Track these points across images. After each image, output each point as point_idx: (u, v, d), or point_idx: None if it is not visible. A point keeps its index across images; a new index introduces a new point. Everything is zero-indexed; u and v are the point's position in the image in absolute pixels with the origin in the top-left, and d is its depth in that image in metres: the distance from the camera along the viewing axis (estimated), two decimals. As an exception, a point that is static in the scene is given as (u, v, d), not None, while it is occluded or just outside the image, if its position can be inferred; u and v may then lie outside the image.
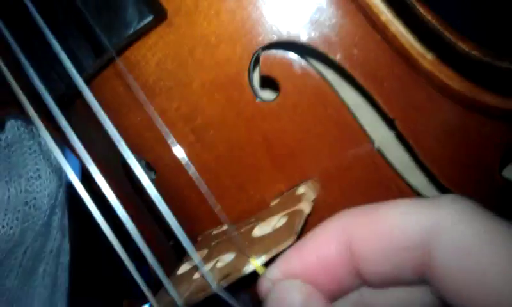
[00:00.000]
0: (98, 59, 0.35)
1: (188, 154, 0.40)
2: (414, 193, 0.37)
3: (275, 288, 0.28)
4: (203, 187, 0.32)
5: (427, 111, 0.35)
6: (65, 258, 0.74)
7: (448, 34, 0.35)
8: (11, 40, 0.34)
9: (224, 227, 0.43)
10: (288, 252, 0.30)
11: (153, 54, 0.37)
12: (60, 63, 0.35)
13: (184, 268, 0.40)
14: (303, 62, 0.36)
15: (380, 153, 0.36)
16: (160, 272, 0.35)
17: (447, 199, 0.25)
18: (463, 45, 0.36)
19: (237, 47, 0.36)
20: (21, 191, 0.63)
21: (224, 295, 0.33)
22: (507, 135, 0.35)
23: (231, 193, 0.40)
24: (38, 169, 0.65)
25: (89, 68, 0.35)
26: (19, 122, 0.60)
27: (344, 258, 0.27)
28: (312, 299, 0.27)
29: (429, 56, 0.34)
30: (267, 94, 0.38)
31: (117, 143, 0.34)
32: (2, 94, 0.46)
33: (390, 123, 0.36)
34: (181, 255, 0.50)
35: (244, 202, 0.40)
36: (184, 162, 0.32)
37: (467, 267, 0.22)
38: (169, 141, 0.36)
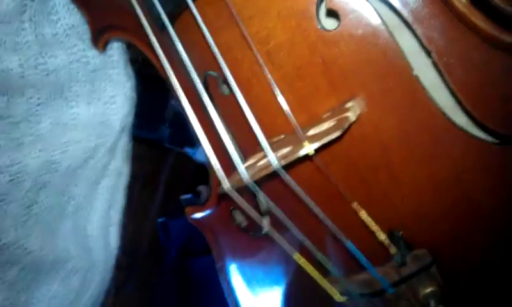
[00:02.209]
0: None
1: (259, 72, 0.50)
2: (442, 113, 0.46)
3: None
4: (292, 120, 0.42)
5: (459, 46, 0.43)
6: (124, 180, 0.85)
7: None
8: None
9: (282, 136, 0.52)
10: None
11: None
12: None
13: (249, 162, 0.50)
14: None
15: (417, 79, 0.45)
16: (236, 157, 0.45)
17: None
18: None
19: (309, -17, 0.45)
20: (98, 113, 0.74)
21: (282, 174, 0.43)
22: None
23: (292, 106, 0.49)
24: (113, 96, 0.76)
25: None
26: (119, 44, 0.71)
27: None
28: None
29: (464, 0, 0.42)
30: (331, 23, 0.47)
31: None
32: (120, 18, 0.58)
33: (428, 53, 0.44)
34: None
35: (302, 114, 0.49)
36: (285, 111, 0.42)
37: None
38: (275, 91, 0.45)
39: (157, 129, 1.58)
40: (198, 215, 0.66)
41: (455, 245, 0.50)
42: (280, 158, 0.44)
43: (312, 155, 0.43)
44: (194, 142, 1.64)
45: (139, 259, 1.36)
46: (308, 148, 0.42)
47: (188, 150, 1.68)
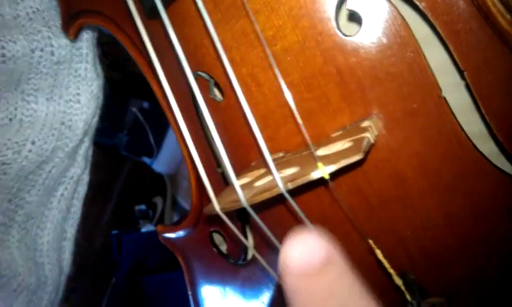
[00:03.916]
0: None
1: (261, 77, 0.43)
2: (470, 143, 0.40)
3: None
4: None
5: (497, 68, 0.38)
6: (82, 188, 0.76)
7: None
8: None
9: (280, 154, 0.45)
10: None
11: (246, -26, 0.40)
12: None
13: (242, 181, 0.43)
14: (389, 3, 0.38)
15: (445, 102, 0.39)
16: (231, 172, 0.38)
17: None
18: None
19: (330, -22, 0.38)
20: (59, 111, 0.65)
21: (288, 197, 0.36)
22: None
23: (297, 120, 0.43)
24: (78, 94, 0.68)
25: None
26: (89, 36, 0.63)
27: None
28: None
29: (509, 16, 0.36)
30: (351, 28, 0.41)
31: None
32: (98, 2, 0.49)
33: (461, 73, 0.39)
34: (226, 182, 0.53)
35: (307, 130, 0.43)
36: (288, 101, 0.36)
37: None
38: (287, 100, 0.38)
39: (114, 135, 1.49)
40: (171, 235, 0.58)
41: (469, 292, 0.44)
42: (285, 180, 0.36)
43: (326, 180, 0.35)
44: (152, 151, 1.56)
45: (87, 272, 1.26)
46: (323, 171, 0.35)
47: (145, 160, 1.59)
